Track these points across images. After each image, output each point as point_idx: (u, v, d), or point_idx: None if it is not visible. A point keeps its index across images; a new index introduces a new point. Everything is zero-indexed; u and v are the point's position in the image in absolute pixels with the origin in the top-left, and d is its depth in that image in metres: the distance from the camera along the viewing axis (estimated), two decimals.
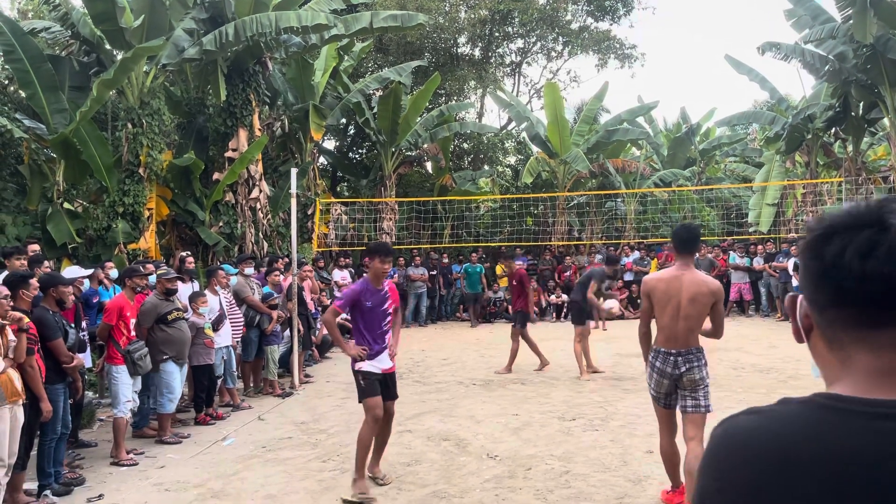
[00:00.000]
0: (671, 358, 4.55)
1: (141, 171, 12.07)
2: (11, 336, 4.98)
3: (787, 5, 16.57)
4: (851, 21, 14.60)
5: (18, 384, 5.01)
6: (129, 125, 12.09)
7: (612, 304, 9.72)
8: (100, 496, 5.51)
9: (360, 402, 5.52)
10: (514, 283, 10.55)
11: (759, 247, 16.64)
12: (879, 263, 0.92)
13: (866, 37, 14.37)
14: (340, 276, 14.63)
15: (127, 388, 6.68)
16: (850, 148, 18.10)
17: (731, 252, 17.01)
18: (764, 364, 10.15)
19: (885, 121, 16.93)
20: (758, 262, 16.16)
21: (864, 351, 0.96)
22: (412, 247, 18.31)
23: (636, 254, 18.05)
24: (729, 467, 0.97)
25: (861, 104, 17.30)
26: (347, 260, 16.14)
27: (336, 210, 18.21)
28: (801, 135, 18.45)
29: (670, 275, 4.63)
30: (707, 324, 4.65)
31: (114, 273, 8.59)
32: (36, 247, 8.52)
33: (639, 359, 10.69)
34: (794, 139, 18.46)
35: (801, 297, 1.05)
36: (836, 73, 16.42)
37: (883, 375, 0.94)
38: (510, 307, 12.87)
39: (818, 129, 18.25)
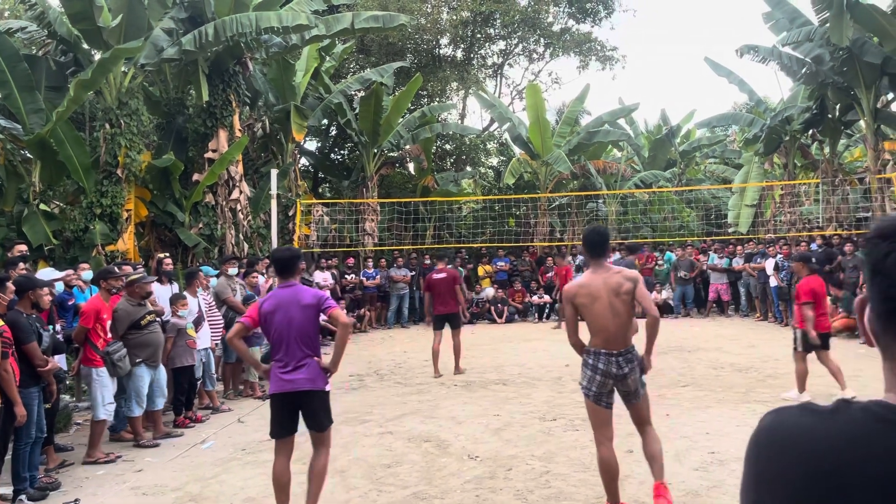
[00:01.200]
0: (613, 359, 4.52)
1: (119, 171, 11.94)
2: None
3: (766, 8, 16.76)
4: (828, 24, 14.79)
5: None
6: (107, 125, 11.97)
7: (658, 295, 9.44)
8: (76, 501, 5.44)
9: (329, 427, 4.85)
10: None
11: (739, 247, 16.81)
12: None
13: (843, 40, 14.56)
14: (321, 277, 14.57)
15: (108, 390, 6.62)
16: (826, 150, 18.34)
17: (710, 252, 17.14)
18: (743, 363, 10.23)
19: (861, 123, 17.17)
20: (737, 263, 16.31)
21: None
22: (394, 248, 18.28)
23: (617, 255, 18.14)
24: (773, 461, 0.96)
25: (837, 106, 17.54)
26: (330, 262, 16.09)
27: (317, 211, 18.14)
28: (778, 136, 18.66)
29: (588, 278, 4.63)
30: (640, 327, 4.64)
31: (87, 275, 8.46)
32: (23, 247, 8.42)
33: None
34: (772, 141, 18.67)
35: (868, 303, 1.04)
36: (813, 76, 16.63)
37: None
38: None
39: (795, 131, 18.47)
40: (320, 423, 4.72)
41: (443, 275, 10.42)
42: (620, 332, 4.52)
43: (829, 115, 17.71)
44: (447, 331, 10.37)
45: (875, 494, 0.87)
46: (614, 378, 4.52)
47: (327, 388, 4.79)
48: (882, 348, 0.98)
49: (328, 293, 13.91)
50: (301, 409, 4.72)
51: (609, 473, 4.51)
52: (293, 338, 4.64)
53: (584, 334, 4.72)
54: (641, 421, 4.67)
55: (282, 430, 4.71)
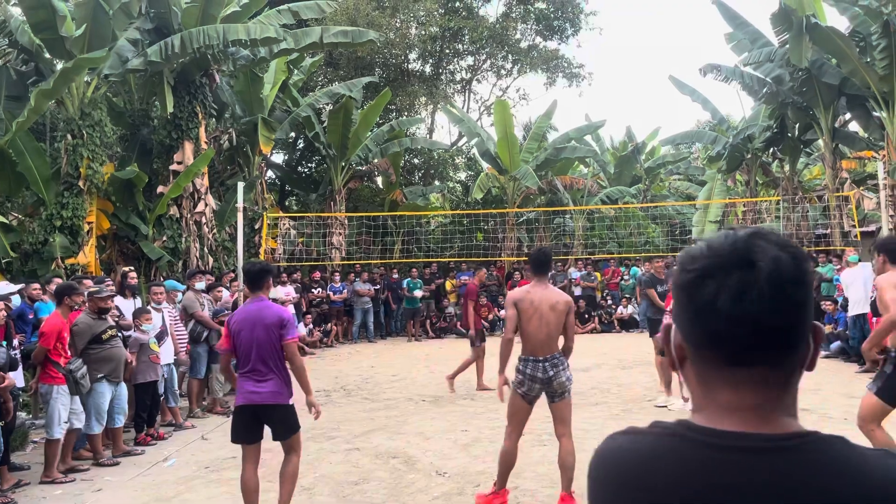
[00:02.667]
0: (540, 364, 5.00)
1: (81, 183, 11.71)
2: None
3: (728, 29, 17.15)
4: (788, 46, 15.19)
5: None
6: (69, 136, 11.74)
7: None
8: None
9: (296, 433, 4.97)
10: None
11: None
12: (752, 306, 0.94)
13: (802, 61, 14.96)
14: (284, 292, 14.42)
15: (65, 409, 6.43)
16: (786, 167, 18.78)
17: (674, 268, 17.37)
18: None
19: (820, 142, 17.62)
20: None
21: (727, 387, 0.98)
22: (362, 262, 18.19)
23: (583, 270, 18.32)
24: (604, 484, 1.04)
25: (797, 125, 17.99)
26: (294, 275, 15.95)
27: (284, 224, 17.99)
28: (741, 154, 19.07)
29: (531, 289, 5.14)
30: (561, 340, 5.15)
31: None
32: None
33: (587, 373, 10.84)
34: (734, 158, 19.07)
35: (674, 327, 1.07)
36: (773, 96, 17.05)
37: (740, 409, 0.97)
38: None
39: (757, 149, 18.89)
40: (285, 433, 4.87)
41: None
42: (547, 341, 5.03)
43: (789, 134, 18.15)
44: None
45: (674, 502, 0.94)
46: (541, 382, 5.00)
47: (290, 401, 4.87)
48: (697, 374, 1.02)
49: (292, 309, 13.82)
50: (266, 422, 4.84)
51: (507, 464, 5.03)
52: (258, 355, 4.73)
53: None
54: (562, 422, 5.10)
55: (247, 437, 4.82)
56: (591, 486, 1.07)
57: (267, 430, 4.93)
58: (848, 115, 17.44)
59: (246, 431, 4.80)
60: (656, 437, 1.02)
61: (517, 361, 5.10)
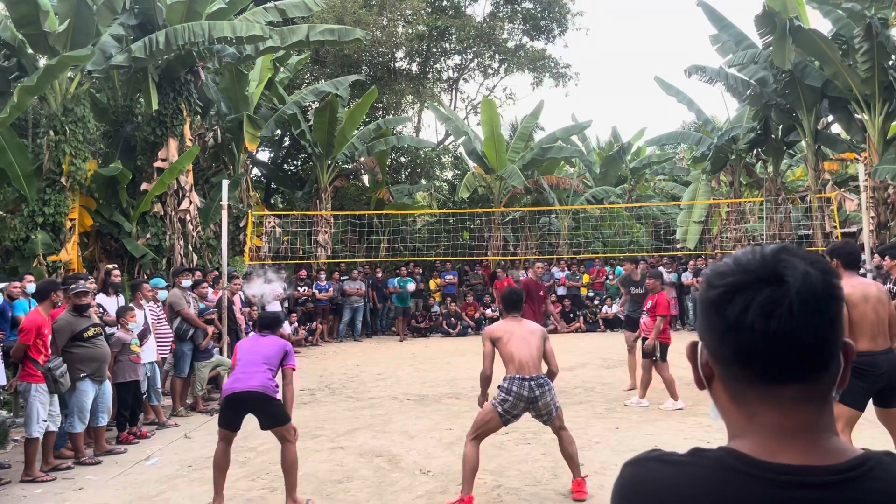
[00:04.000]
0: (526, 383, 5.11)
1: (63, 180, 11.61)
2: None
3: (713, 30, 17.27)
4: (772, 48, 15.31)
5: None
6: (52, 132, 11.63)
7: None
8: None
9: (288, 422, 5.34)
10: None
11: (691, 262, 17.20)
12: (782, 322, 0.93)
13: (785, 63, 15.09)
14: (270, 289, 14.32)
15: (43, 407, 6.37)
16: (770, 169, 18.94)
17: (659, 268, 17.46)
18: (690, 376, 10.42)
19: (803, 143, 17.80)
20: (686, 277, 16.67)
21: (770, 408, 0.96)
22: (348, 260, 18.16)
23: (567, 270, 18.38)
24: None
25: (780, 127, 18.14)
26: (281, 273, 15.87)
27: (269, 223, 17.90)
28: (725, 155, 19.20)
29: (506, 322, 5.45)
30: (544, 366, 5.34)
31: (31, 287, 8.18)
32: None
33: (571, 372, 10.89)
34: (718, 159, 19.20)
35: (700, 344, 1.05)
36: (757, 97, 17.18)
37: (787, 434, 0.96)
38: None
39: (741, 151, 19.03)
40: (275, 420, 5.24)
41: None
42: (531, 361, 5.18)
43: (773, 136, 18.31)
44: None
45: None
46: (525, 401, 5.10)
47: (278, 396, 5.29)
48: (733, 395, 1.00)
49: (278, 306, 13.74)
50: (252, 411, 5.24)
51: (472, 468, 5.08)
52: (255, 357, 5.32)
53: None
54: (559, 428, 5.32)
55: (229, 425, 5.30)
56: None
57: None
58: (830, 118, 17.60)
59: (229, 420, 5.29)
60: (703, 469, 0.97)
61: (502, 381, 5.20)
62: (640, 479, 1.01)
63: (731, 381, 1.00)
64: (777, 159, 18.81)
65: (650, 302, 8.69)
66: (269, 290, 13.87)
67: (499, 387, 5.23)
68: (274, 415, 5.23)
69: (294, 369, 5.51)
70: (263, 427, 5.34)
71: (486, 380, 5.44)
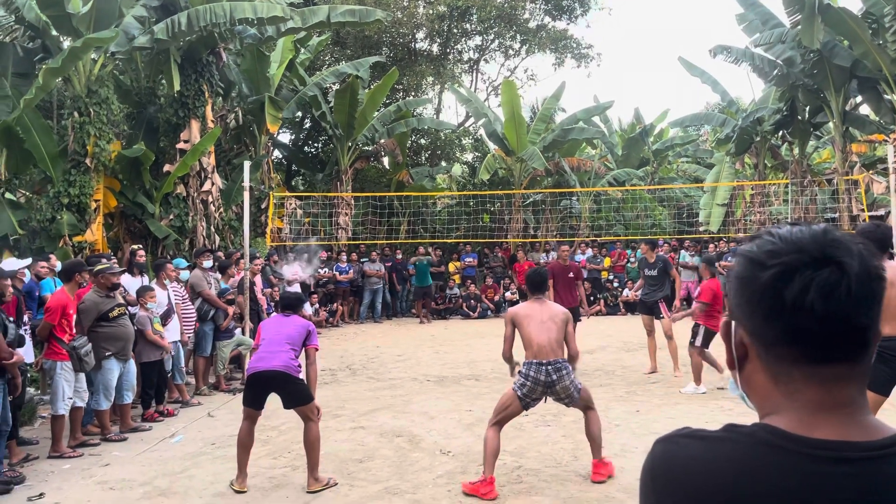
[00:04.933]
0: (543, 367, 5.15)
1: (88, 161, 11.72)
2: None
3: (739, 9, 16.95)
4: (800, 27, 15.00)
5: None
6: (76, 114, 11.73)
7: None
8: (41, 495, 5.34)
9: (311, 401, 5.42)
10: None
11: (712, 245, 17.02)
12: (841, 304, 0.93)
13: (813, 42, 14.78)
14: (291, 271, 14.42)
15: (69, 385, 6.49)
16: (796, 151, 18.64)
17: (681, 251, 17.34)
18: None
19: (830, 125, 17.47)
20: None
21: (813, 385, 0.96)
22: (368, 242, 18.21)
23: (589, 251, 18.29)
24: (668, 494, 0.97)
25: (807, 108, 17.81)
26: (304, 255, 15.95)
27: (291, 204, 17.98)
28: (750, 137, 18.92)
29: (529, 304, 5.49)
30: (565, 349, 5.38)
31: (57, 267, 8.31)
32: None
33: (591, 355, 10.86)
34: (743, 141, 18.92)
35: (734, 323, 1.04)
36: (784, 78, 16.87)
37: (826, 410, 0.95)
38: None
39: (766, 132, 18.73)
40: (298, 399, 5.33)
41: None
42: (549, 345, 5.21)
43: (799, 117, 17.99)
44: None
45: None
46: (543, 385, 5.15)
47: (301, 376, 5.39)
48: (773, 374, 0.99)
49: (298, 288, 13.85)
50: (275, 390, 5.34)
51: (493, 451, 5.13)
52: (278, 337, 5.39)
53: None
54: (586, 408, 5.36)
55: (253, 403, 5.41)
56: (652, 498, 0.99)
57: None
58: (859, 98, 17.25)
59: (252, 398, 5.39)
60: (737, 444, 0.96)
61: (521, 366, 5.29)
62: (671, 456, 1.00)
63: (774, 361, 0.98)
64: (803, 141, 18.50)
65: (698, 289, 8.71)
66: (289, 271, 14.00)
67: (518, 371, 5.31)
68: (296, 394, 5.31)
69: (317, 349, 5.61)
70: (286, 406, 5.42)
71: (508, 360, 5.56)
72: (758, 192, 19.22)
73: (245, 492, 5.26)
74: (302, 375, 5.40)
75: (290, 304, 5.87)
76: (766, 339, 0.98)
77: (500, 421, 5.21)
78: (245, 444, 5.37)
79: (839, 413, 0.95)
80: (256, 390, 5.37)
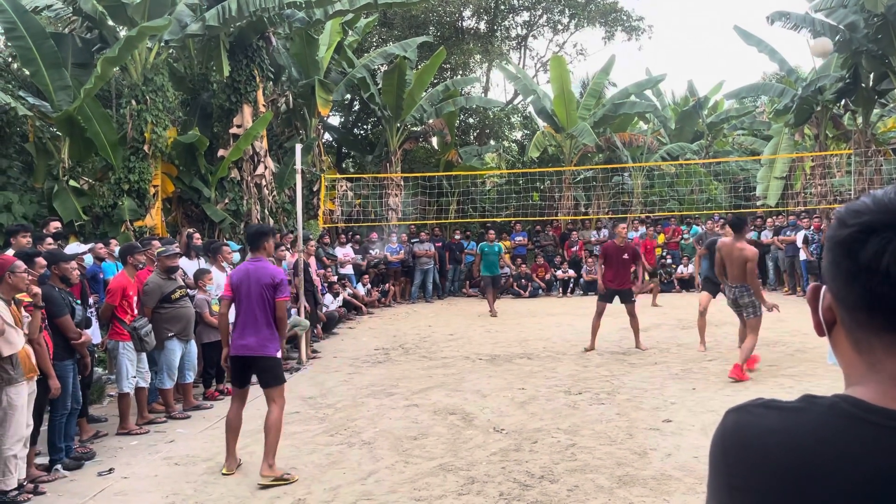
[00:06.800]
0: (730, 289, 7.96)
1: (146, 148, 12.05)
2: (24, 312, 5.00)
3: None
4: None
5: (33, 360, 5.06)
6: (133, 102, 12.05)
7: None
8: (110, 470, 5.57)
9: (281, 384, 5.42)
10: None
11: (769, 220, 16.55)
12: None
13: (878, 6, 14.13)
14: (342, 252, 14.62)
15: (131, 364, 6.73)
16: (859, 120, 17.90)
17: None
18: (771, 338, 10.11)
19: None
20: (766, 236, 16.08)
21: (894, 357, 0.89)
22: (418, 222, 18.29)
23: (642, 228, 18.01)
24: (742, 467, 0.92)
25: (872, 75, 17.04)
26: (356, 236, 16.15)
27: (342, 186, 18.18)
28: (810, 107, 18.23)
29: (729, 242, 7.97)
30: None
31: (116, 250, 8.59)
32: (58, 223, 8.55)
33: (646, 333, 10.71)
34: (803, 111, 18.24)
35: (824, 288, 0.98)
36: (846, 44, 16.17)
37: None
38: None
39: (828, 101, 18.02)
40: (267, 381, 5.36)
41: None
42: (734, 272, 7.76)
43: (863, 84, 17.24)
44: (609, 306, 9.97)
45: (849, 492, 0.83)
46: (730, 298, 7.99)
47: (277, 354, 5.43)
48: (855, 342, 0.93)
49: (350, 269, 14.00)
50: (254, 371, 5.42)
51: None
52: (249, 309, 5.35)
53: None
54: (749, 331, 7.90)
55: (238, 382, 5.50)
56: (723, 470, 0.94)
57: None
58: None
59: (236, 377, 5.48)
60: (815, 415, 0.90)
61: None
62: (744, 426, 0.95)
63: (855, 328, 0.93)
64: (867, 109, 17.74)
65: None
66: (340, 252, 14.19)
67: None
68: (269, 374, 5.33)
69: (286, 300, 5.51)
70: (262, 385, 5.41)
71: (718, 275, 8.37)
72: (818, 163, 18.55)
73: (232, 474, 5.31)
74: (279, 354, 5.41)
75: (253, 240, 5.54)
76: (847, 303, 0.93)
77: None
78: (234, 426, 5.41)
79: None
80: (237, 369, 5.41)
